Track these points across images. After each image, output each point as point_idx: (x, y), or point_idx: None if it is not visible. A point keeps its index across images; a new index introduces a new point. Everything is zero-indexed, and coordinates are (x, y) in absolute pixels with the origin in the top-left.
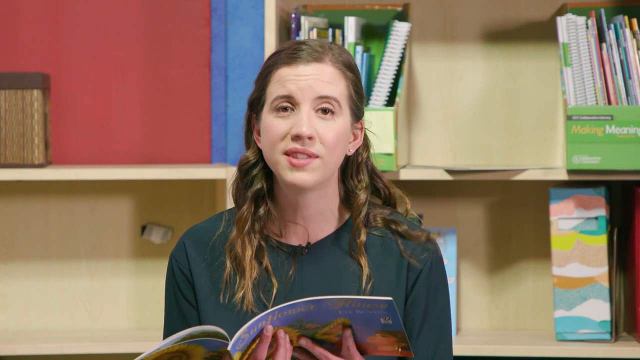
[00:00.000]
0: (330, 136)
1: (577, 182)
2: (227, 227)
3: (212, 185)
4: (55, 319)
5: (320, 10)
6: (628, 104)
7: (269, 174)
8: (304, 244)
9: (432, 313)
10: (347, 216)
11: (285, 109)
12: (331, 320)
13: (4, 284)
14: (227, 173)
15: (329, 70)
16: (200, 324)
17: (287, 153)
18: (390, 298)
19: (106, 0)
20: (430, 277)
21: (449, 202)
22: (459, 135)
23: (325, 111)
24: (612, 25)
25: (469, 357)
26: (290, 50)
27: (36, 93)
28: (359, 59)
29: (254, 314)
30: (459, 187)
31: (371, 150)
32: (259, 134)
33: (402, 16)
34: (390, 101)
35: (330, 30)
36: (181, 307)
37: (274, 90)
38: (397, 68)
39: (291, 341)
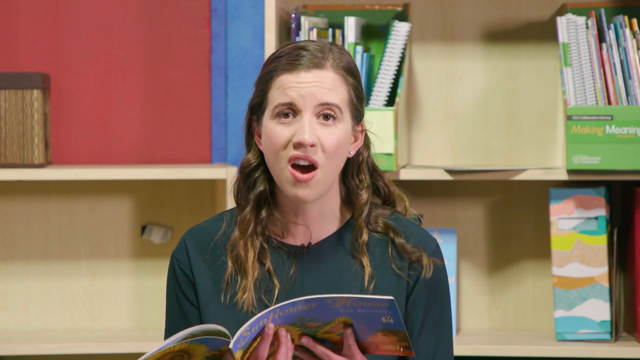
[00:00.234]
0: (332, 142)
1: (577, 182)
2: (228, 227)
3: (212, 185)
4: (55, 319)
5: (320, 10)
6: (628, 104)
7: (270, 176)
8: (305, 244)
9: (433, 313)
10: (348, 216)
11: (287, 115)
12: (332, 318)
13: (4, 284)
14: (227, 173)
15: (329, 77)
16: (201, 323)
17: (289, 160)
18: (391, 297)
19: (106, 0)
20: (431, 278)
21: (449, 202)
22: (459, 135)
23: (326, 117)
24: (612, 25)
25: (469, 357)
26: (291, 56)
27: (36, 93)
28: (359, 59)
29: (254, 314)
30: (459, 187)
31: (372, 149)
32: (260, 136)
33: (402, 16)
34: (390, 101)
35: (330, 30)
36: (182, 306)
37: (275, 96)
38: (397, 68)
39: (292, 340)
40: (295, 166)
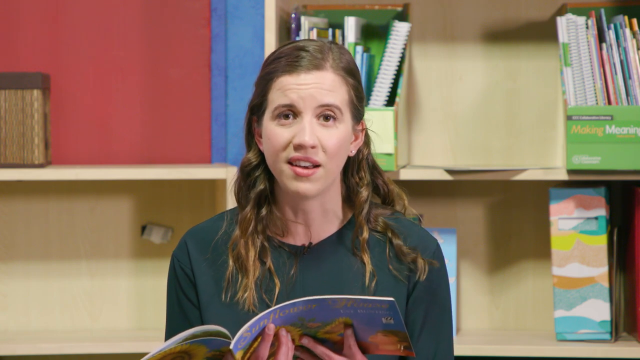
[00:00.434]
0: (332, 143)
1: (577, 182)
2: (229, 226)
3: (212, 185)
4: (55, 319)
5: (320, 10)
6: (628, 104)
7: (271, 175)
8: (306, 244)
9: (433, 313)
10: (349, 215)
11: (287, 116)
12: (333, 319)
13: (4, 284)
14: (227, 173)
15: (329, 78)
16: (202, 323)
17: (290, 161)
18: (392, 299)
19: (106, 0)
20: (431, 278)
21: (449, 202)
22: (459, 135)
23: (327, 118)
24: (612, 25)
25: (469, 357)
26: (291, 57)
27: (36, 93)
28: (359, 59)
29: (255, 314)
30: (459, 187)
31: (372, 146)
32: (260, 136)
33: (402, 16)
34: (390, 101)
35: (330, 30)
36: (183, 306)
37: (276, 98)
38: (397, 68)
39: (293, 340)
40: (296, 167)
